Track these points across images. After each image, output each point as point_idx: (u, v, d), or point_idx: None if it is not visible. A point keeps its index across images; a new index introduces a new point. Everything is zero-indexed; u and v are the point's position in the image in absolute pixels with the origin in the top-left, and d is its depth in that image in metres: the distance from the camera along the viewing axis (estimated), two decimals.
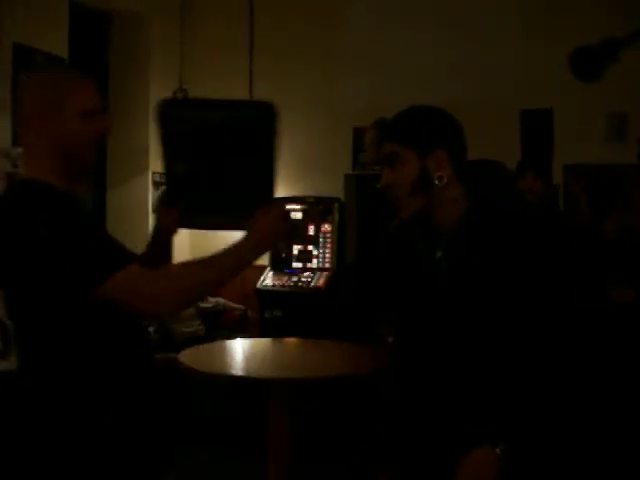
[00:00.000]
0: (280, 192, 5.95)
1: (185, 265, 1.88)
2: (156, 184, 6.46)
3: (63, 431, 1.76)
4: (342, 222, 6.06)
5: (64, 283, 1.69)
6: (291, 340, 4.43)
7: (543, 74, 5.26)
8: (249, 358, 4.04)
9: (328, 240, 6.02)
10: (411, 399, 1.97)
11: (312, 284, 5.87)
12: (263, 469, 3.56)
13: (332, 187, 6.17)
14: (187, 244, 5.87)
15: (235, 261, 1.83)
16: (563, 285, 1.86)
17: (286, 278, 5.99)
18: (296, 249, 6.10)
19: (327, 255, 6.00)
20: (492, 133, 5.29)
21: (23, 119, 1.87)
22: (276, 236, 1.87)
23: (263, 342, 4.60)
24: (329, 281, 5.85)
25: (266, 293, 5.97)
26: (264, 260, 6.11)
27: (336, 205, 6.06)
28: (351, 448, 4.32)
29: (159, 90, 6.23)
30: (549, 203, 4.28)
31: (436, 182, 1.86)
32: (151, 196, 6.40)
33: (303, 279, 5.92)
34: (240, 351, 4.17)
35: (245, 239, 1.83)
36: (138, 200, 6.30)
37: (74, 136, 1.83)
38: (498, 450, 1.74)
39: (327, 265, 5.98)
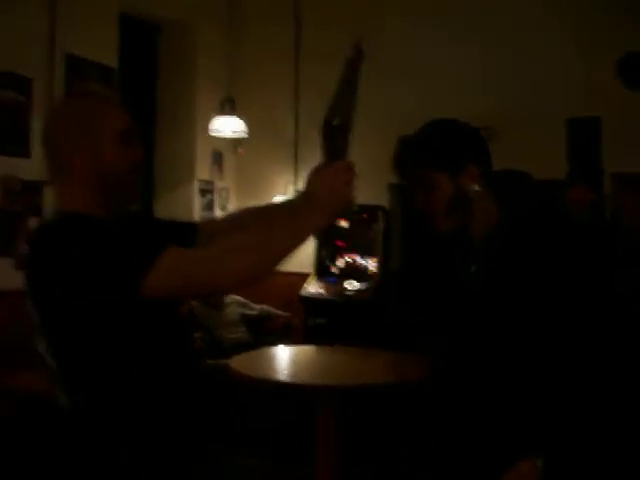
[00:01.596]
0: None
1: (239, 234, 1.73)
2: (202, 191, 6.54)
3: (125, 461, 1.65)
4: (387, 230, 6.06)
5: (109, 288, 1.51)
6: (336, 348, 4.45)
7: (590, 82, 5.20)
8: (298, 365, 4.08)
9: (373, 248, 6.03)
10: (456, 409, 1.97)
11: (356, 292, 5.87)
12: (312, 474, 3.59)
13: (376, 195, 6.17)
14: None
15: (301, 223, 1.63)
16: (600, 295, 1.85)
17: (330, 286, 6.00)
18: (341, 256, 6.12)
19: (372, 263, 6.01)
20: (537, 142, 5.24)
21: (55, 151, 1.69)
22: (345, 197, 1.65)
23: (310, 349, 4.63)
24: (373, 289, 5.85)
25: (310, 300, 6.00)
26: (308, 267, 6.14)
27: (380, 213, 6.05)
28: (398, 453, 4.33)
29: (206, 98, 6.33)
30: (596, 213, 4.24)
31: (472, 196, 1.86)
32: (197, 203, 6.48)
33: (347, 287, 5.93)
34: (289, 358, 4.21)
35: (310, 197, 1.63)
36: (184, 207, 6.38)
37: (114, 162, 1.66)
38: (539, 463, 1.73)
39: (372, 273, 5.98)
